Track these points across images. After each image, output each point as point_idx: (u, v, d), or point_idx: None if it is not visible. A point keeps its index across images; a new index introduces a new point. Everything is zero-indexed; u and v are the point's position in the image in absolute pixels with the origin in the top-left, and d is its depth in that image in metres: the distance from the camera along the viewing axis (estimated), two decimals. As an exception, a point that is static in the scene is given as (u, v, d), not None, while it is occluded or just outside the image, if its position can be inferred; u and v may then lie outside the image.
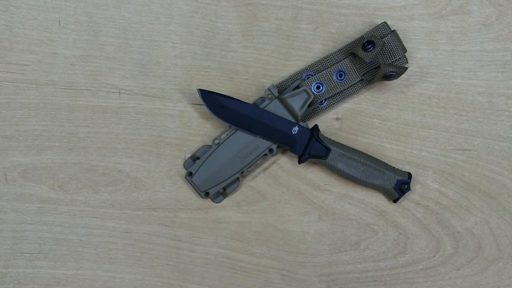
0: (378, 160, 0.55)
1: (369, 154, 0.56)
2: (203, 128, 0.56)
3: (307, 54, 0.56)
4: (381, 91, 0.57)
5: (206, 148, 0.55)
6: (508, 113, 0.56)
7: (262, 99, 0.55)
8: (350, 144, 0.56)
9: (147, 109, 0.56)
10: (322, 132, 0.56)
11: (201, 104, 0.55)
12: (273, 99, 0.53)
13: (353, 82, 0.55)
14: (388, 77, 0.53)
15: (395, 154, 0.57)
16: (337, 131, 0.57)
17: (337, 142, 0.54)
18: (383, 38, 0.53)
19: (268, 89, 0.54)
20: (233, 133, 0.54)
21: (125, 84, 0.56)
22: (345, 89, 0.55)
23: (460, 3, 0.56)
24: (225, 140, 0.54)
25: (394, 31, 0.54)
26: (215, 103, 0.53)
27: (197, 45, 0.56)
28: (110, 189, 0.57)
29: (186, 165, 0.56)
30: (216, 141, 0.55)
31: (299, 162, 0.54)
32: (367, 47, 0.51)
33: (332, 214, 0.57)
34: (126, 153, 0.57)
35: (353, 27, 0.56)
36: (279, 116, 0.53)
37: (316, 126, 0.54)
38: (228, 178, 0.55)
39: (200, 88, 0.54)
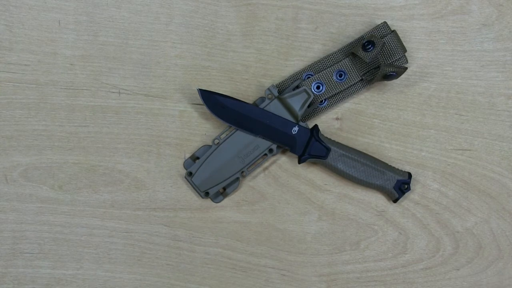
0: (378, 160, 0.55)
1: (369, 154, 0.56)
2: (203, 128, 0.56)
3: (307, 54, 0.56)
4: (381, 91, 0.57)
5: (206, 148, 0.55)
6: (508, 113, 0.56)
7: (262, 99, 0.55)
8: (350, 144, 0.56)
9: (147, 109, 0.56)
10: (322, 132, 0.56)
11: (201, 104, 0.55)
12: (273, 99, 0.53)
13: (353, 82, 0.55)
14: (388, 77, 0.53)
15: (395, 154, 0.57)
16: (337, 131, 0.57)
17: (337, 142, 0.54)
18: (383, 38, 0.53)
19: (268, 89, 0.54)
20: (233, 133, 0.54)
21: (125, 84, 0.56)
22: (345, 89, 0.55)
23: (460, 3, 0.56)
24: (225, 140, 0.54)
25: (394, 31, 0.54)
26: (215, 103, 0.53)
27: (197, 45, 0.56)
28: (110, 189, 0.57)
29: (186, 165, 0.56)
30: (216, 141, 0.55)
31: (299, 162, 0.54)
32: (367, 47, 0.51)
33: (332, 214, 0.57)
34: (126, 153, 0.57)
35: (353, 27, 0.56)
36: (279, 116, 0.53)
37: (316, 126, 0.54)
38: (228, 178, 0.55)
39: (200, 88, 0.54)
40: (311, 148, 0.53)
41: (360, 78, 0.55)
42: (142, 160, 0.57)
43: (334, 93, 0.55)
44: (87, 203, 0.57)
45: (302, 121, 0.55)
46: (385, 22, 0.54)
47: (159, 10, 0.56)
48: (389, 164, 0.56)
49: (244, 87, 0.56)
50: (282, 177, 0.57)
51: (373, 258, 0.57)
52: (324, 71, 0.54)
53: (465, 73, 0.56)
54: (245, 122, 0.53)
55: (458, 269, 0.57)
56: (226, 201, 0.57)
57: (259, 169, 0.57)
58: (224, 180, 0.55)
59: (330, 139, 0.54)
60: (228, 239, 0.57)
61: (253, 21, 0.56)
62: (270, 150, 0.54)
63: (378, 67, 0.53)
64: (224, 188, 0.56)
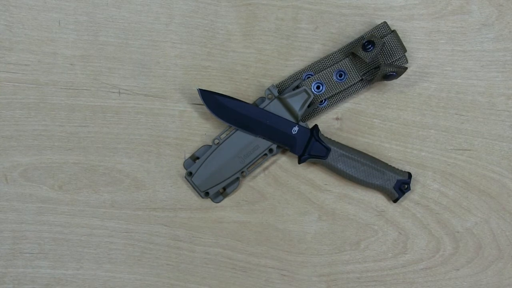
0: (378, 160, 0.55)
1: (369, 154, 0.56)
2: (203, 128, 0.56)
3: (307, 54, 0.56)
4: (381, 91, 0.57)
5: (206, 148, 0.55)
6: (508, 113, 0.56)
7: (262, 99, 0.55)
8: (350, 144, 0.56)
9: (147, 109, 0.56)
10: (322, 132, 0.56)
11: (201, 104, 0.55)
12: (273, 99, 0.53)
13: (353, 82, 0.55)
14: (388, 77, 0.53)
15: (395, 154, 0.57)
16: (337, 131, 0.57)
17: (337, 142, 0.54)
18: (383, 38, 0.53)
19: (268, 89, 0.54)
20: (233, 133, 0.54)
21: (125, 84, 0.56)
22: (345, 89, 0.55)
23: (460, 3, 0.56)
24: (225, 140, 0.54)
25: (394, 31, 0.54)
26: (215, 103, 0.53)
27: (197, 45, 0.56)
28: (110, 189, 0.57)
29: (186, 165, 0.56)
30: (216, 141, 0.55)
31: (299, 162, 0.54)
32: (367, 47, 0.51)
33: (332, 214, 0.57)
34: (126, 153, 0.57)
35: (353, 27, 0.56)
36: (279, 116, 0.53)
37: (316, 126, 0.54)
38: (228, 178, 0.55)
39: (200, 88, 0.54)
40: (311, 148, 0.53)
41: (360, 78, 0.55)
42: (142, 160, 0.57)
43: (334, 93, 0.55)
44: (87, 203, 0.57)
45: (302, 121, 0.55)
46: (385, 22, 0.54)
47: (159, 10, 0.56)
48: (389, 164, 0.56)
49: (244, 87, 0.56)
50: (282, 177, 0.57)
51: (373, 258, 0.57)
52: (324, 71, 0.54)
53: (465, 73, 0.56)
54: (245, 122, 0.53)
55: (458, 269, 0.57)
56: (226, 201, 0.57)
57: (259, 169, 0.57)
58: (224, 180, 0.55)
59: (330, 139, 0.54)
60: (228, 239, 0.57)
61: (253, 21, 0.56)
62: (270, 150, 0.54)
63: (378, 67, 0.53)
64: (224, 188, 0.56)
